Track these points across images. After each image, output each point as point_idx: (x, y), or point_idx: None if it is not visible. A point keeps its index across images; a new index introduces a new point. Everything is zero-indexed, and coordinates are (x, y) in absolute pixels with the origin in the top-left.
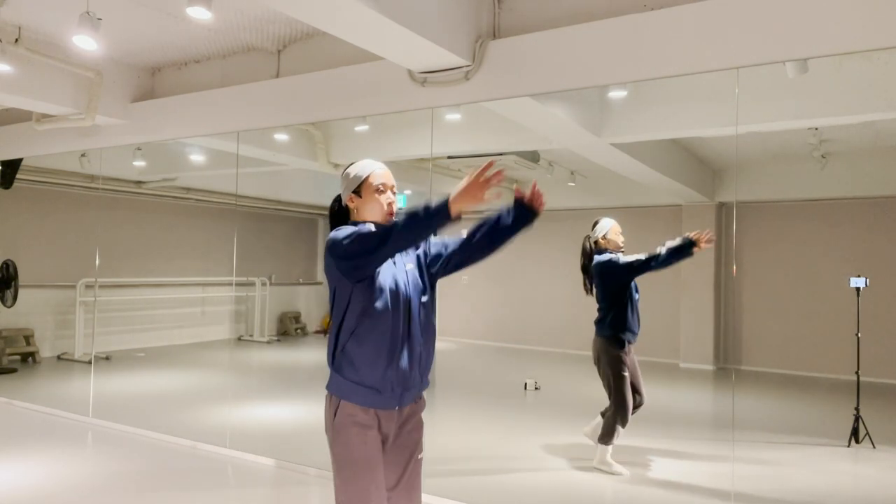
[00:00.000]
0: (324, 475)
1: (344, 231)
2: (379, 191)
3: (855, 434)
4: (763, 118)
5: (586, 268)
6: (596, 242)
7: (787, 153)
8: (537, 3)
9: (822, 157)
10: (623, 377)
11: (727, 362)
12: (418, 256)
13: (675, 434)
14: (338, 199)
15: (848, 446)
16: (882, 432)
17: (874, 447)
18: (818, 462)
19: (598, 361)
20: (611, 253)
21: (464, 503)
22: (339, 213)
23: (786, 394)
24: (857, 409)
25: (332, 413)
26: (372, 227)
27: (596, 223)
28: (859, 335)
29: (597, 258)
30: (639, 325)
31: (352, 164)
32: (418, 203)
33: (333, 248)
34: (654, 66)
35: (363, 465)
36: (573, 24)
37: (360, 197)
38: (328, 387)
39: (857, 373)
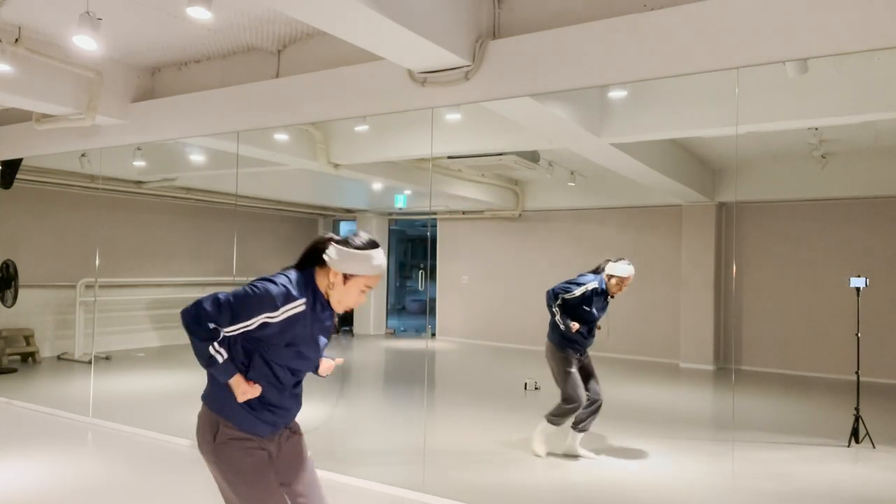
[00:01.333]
0: (325, 475)
1: (244, 295)
2: (363, 291)
3: (855, 434)
4: (763, 118)
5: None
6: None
7: (787, 153)
8: (537, 3)
9: (822, 157)
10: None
11: (727, 362)
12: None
13: (675, 434)
14: (323, 243)
15: (848, 446)
16: (882, 432)
17: (874, 447)
18: (818, 462)
19: None
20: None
21: (463, 503)
22: (314, 255)
23: (786, 394)
24: (857, 409)
25: (212, 434)
26: (298, 307)
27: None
28: (859, 335)
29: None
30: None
31: (359, 239)
32: (225, 368)
33: (224, 300)
34: (654, 66)
35: (253, 473)
36: (573, 24)
37: (344, 284)
38: (210, 405)
39: (857, 373)
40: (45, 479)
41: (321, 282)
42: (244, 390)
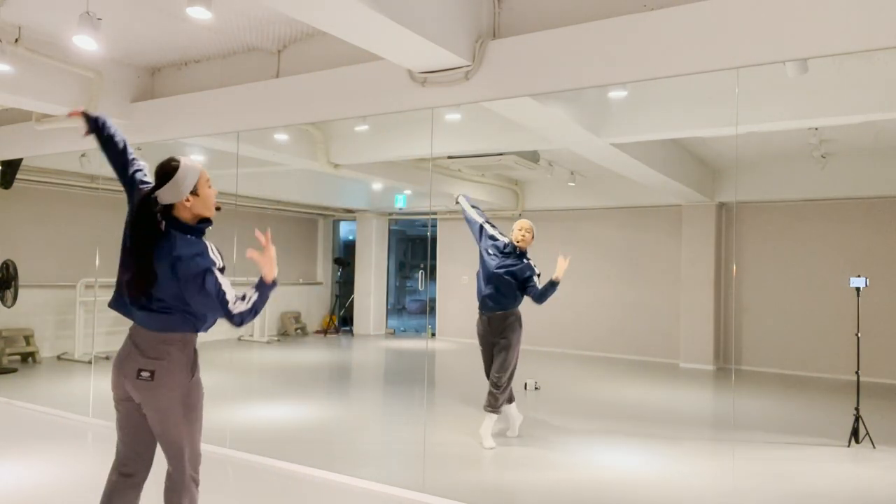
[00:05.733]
0: (325, 475)
1: (225, 287)
2: (209, 185)
3: (855, 434)
4: (763, 118)
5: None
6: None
7: (787, 153)
8: (537, 3)
9: (822, 157)
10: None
11: (727, 362)
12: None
13: (675, 434)
14: (150, 199)
15: (848, 446)
16: (882, 432)
17: (874, 447)
18: (818, 462)
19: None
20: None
21: (463, 503)
22: (152, 214)
23: (786, 394)
24: (857, 409)
25: (191, 370)
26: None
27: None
28: (859, 335)
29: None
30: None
31: (168, 166)
32: (253, 291)
33: (224, 309)
34: (654, 66)
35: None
36: (573, 24)
37: (198, 196)
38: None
39: (857, 373)
40: (44, 479)
41: (185, 216)
42: (270, 265)
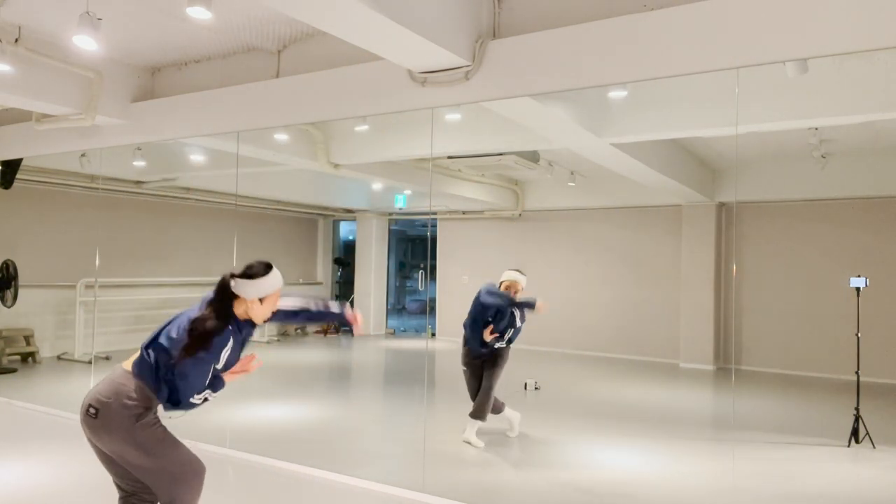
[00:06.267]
0: (325, 475)
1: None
2: (275, 303)
3: (855, 434)
4: (763, 118)
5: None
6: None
7: (787, 153)
8: (537, 3)
9: (822, 157)
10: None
11: (727, 362)
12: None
13: (675, 434)
14: (227, 284)
15: (848, 446)
16: (882, 432)
17: (874, 447)
18: (818, 462)
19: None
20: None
21: (463, 503)
22: (227, 295)
23: (786, 394)
24: (857, 409)
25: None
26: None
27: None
28: (859, 335)
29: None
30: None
31: (257, 268)
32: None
33: (188, 397)
34: (654, 66)
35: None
36: (573, 24)
37: (262, 304)
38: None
39: (857, 373)
40: (44, 479)
41: (239, 309)
42: (236, 378)
